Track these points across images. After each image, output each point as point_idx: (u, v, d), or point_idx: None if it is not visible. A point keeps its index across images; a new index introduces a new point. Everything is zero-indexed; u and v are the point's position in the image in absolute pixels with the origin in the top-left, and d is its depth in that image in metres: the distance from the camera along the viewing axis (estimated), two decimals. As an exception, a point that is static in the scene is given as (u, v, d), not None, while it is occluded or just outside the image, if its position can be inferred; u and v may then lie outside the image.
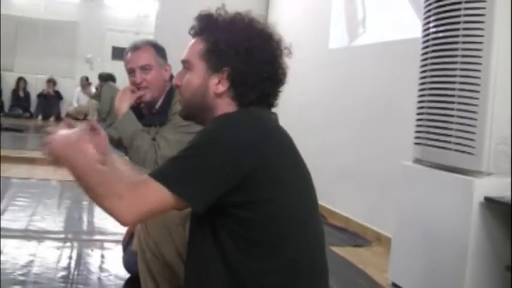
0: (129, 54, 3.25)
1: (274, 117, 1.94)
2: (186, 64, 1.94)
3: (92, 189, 1.68)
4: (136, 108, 3.22)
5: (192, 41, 1.96)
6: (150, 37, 7.97)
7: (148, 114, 3.26)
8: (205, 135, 1.74)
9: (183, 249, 2.24)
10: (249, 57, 1.86)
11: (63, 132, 1.81)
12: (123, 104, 3.16)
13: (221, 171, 1.67)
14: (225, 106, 1.89)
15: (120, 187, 1.66)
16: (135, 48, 3.24)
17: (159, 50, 3.26)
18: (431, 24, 3.15)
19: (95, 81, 14.17)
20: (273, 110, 2.00)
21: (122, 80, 4.81)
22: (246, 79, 1.86)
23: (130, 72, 3.23)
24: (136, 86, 3.19)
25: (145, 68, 3.19)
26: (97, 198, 1.67)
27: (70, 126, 1.85)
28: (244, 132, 1.73)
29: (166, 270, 2.38)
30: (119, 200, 1.63)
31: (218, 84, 1.88)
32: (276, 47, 1.94)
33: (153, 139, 3.10)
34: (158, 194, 1.65)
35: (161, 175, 1.67)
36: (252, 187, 1.69)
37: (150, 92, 3.20)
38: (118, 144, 3.16)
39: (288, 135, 1.89)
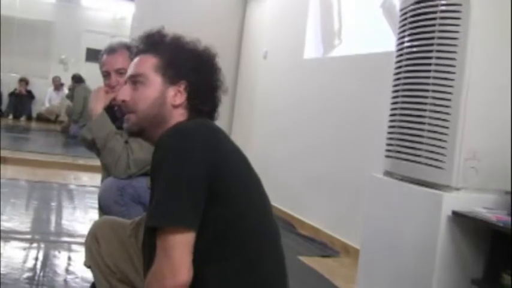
0: (104, 57, 3.23)
1: (216, 124, 2.00)
2: (139, 78, 1.99)
3: None
4: (110, 111, 3.20)
5: (139, 57, 2.04)
6: (126, 40, 7.95)
7: (122, 117, 3.24)
8: (166, 157, 1.76)
9: (138, 260, 2.24)
10: (202, 71, 1.99)
11: None
12: (98, 105, 3.14)
13: (198, 182, 1.71)
14: (179, 116, 1.98)
15: (153, 271, 1.71)
16: (112, 51, 3.23)
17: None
18: (405, 39, 3.18)
19: (68, 82, 14.07)
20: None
21: (95, 82, 4.74)
22: (201, 91, 1.99)
23: (106, 75, 3.21)
24: (111, 89, 3.18)
25: (120, 72, 3.18)
26: None
27: None
28: (197, 136, 1.78)
29: (124, 284, 2.37)
30: (163, 279, 1.66)
31: (175, 96, 1.98)
32: (218, 66, 2.06)
33: (126, 142, 3.08)
34: (178, 240, 1.67)
35: (164, 220, 1.69)
36: (217, 183, 1.73)
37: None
38: (91, 145, 3.14)
39: (230, 137, 1.96)
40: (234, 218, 1.76)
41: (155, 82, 1.97)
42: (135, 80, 2.00)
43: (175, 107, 1.97)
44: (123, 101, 2.02)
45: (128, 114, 2.02)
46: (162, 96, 1.96)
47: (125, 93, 2.02)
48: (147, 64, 1.99)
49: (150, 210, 1.75)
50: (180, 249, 1.66)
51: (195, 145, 1.74)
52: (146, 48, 2.03)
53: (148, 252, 1.83)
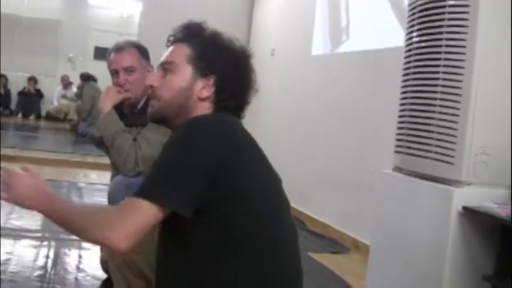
0: (112, 55, 3.23)
1: (238, 121, 2.00)
2: (170, 65, 1.98)
3: (76, 229, 1.73)
4: (119, 108, 3.20)
5: (174, 46, 2.03)
6: (134, 38, 7.97)
7: (130, 114, 3.25)
8: (176, 139, 1.77)
9: (153, 257, 2.25)
10: (235, 68, 1.97)
11: (20, 176, 1.84)
12: (107, 103, 3.14)
13: (197, 170, 1.70)
14: (204, 110, 1.97)
15: (105, 217, 1.68)
16: (119, 49, 3.23)
17: (142, 51, 3.25)
18: (414, 34, 3.17)
19: (76, 80, 14.11)
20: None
21: (104, 80, 4.74)
22: (229, 88, 1.97)
23: (114, 73, 3.22)
24: (119, 87, 3.19)
25: (129, 70, 3.18)
26: (85, 235, 1.70)
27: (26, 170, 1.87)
28: (212, 128, 1.78)
29: (139, 278, 2.37)
30: (107, 231, 1.63)
31: (203, 89, 1.96)
32: (252, 66, 2.04)
33: (135, 139, 3.09)
34: (145, 211, 1.66)
35: (143, 192, 1.69)
36: (227, 178, 1.72)
37: (133, 93, 3.19)
38: (99, 143, 3.14)
39: (252, 136, 1.93)
40: (243, 214, 1.74)
41: (185, 72, 1.96)
42: (166, 67, 1.99)
43: (201, 99, 1.96)
44: (151, 86, 2.01)
45: (153, 100, 2.01)
46: (190, 87, 1.95)
47: (153, 78, 2.02)
48: (181, 53, 1.98)
49: (140, 183, 1.75)
50: (143, 222, 1.65)
51: (205, 136, 1.74)
52: (183, 38, 2.02)
53: (163, 258, 1.84)
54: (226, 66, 1.96)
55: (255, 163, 1.84)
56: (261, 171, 1.85)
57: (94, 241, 1.70)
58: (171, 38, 2.05)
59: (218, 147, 1.73)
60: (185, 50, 1.98)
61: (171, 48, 2.03)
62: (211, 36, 2.01)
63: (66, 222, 1.74)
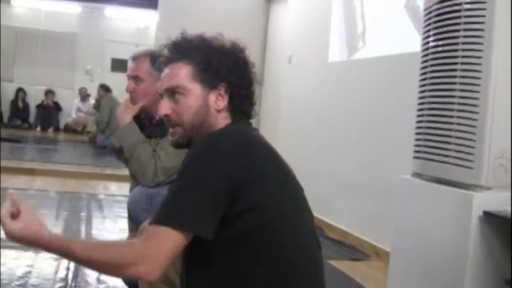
0: (129, 62, 3.30)
1: (256, 132, 1.98)
2: (178, 89, 1.94)
3: (101, 267, 1.72)
4: (138, 119, 3.22)
5: (171, 68, 1.99)
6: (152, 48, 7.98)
7: (149, 125, 3.27)
8: (191, 161, 1.77)
9: (177, 261, 2.25)
10: (238, 69, 1.96)
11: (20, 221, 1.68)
12: (126, 114, 3.17)
13: (215, 191, 1.70)
14: (223, 120, 1.96)
15: (128, 252, 1.67)
16: (134, 57, 3.30)
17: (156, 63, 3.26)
18: (430, 39, 3.15)
19: (94, 92, 14.18)
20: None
21: (120, 92, 4.75)
22: (240, 90, 1.96)
23: (129, 79, 3.28)
24: (128, 93, 3.26)
25: (136, 79, 3.22)
26: (115, 271, 1.72)
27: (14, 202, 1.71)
28: (227, 146, 1.76)
29: (166, 284, 2.37)
30: (136, 265, 1.64)
31: (217, 101, 1.94)
32: (248, 57, 2.03)
33: (154, 150, 3.10)
34: (169, 239, 1.66)
35: (163, 219, 1.69)
36: (245, 194, 1.71)
37: (140, 101, 3.23)
38: (118, 154, 3.16)
39: (272, 146, 1.92)
40: (262, 229, 1.74)
41: (195, 91, 1.93)
42: (174, 92, 1.95)
43: (218, 111, 1.94)
44: (165, 115, 1.98)
45: (174, 128, 1.99)
46: (205, 104, 1.93)
47: (165, 107, 1.97)
48: (182, 74, 1.94)
49: (158, 209, 1.75)
50: (168, 249, 1.66)
51: (221, 155, 1.73)
52: (176, 57, 1.98)
53: (185, 254, 1.83)
54: (230, 69, 1.94)
55: (273, 175, 1.81)
56: (280, 182, 1.83)
57: (126, 275, 1.72)
58: (162, 59, 2.03)
59: (234, 165, 1.72)
60: (186, 69, 1.94)
61: (167, 71, 1.99)
62: (202, 45, 1.97)
63: (84, 260, 1.69)
